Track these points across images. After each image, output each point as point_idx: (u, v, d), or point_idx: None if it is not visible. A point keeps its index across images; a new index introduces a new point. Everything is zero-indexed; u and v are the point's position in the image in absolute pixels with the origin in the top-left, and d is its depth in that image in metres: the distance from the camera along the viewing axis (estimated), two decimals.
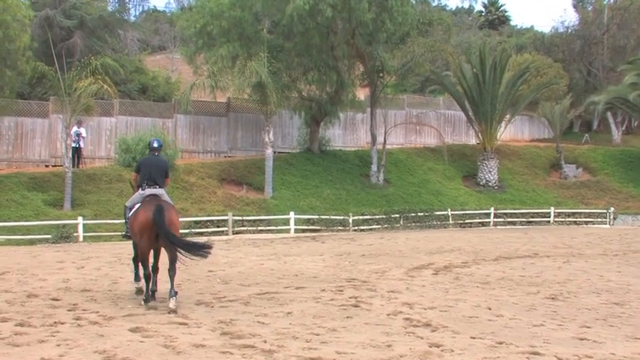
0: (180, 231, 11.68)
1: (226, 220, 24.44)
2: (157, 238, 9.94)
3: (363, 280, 13.10)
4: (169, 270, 9.91)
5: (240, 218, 25.07)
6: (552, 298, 11.36)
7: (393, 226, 28.05)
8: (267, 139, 29.52)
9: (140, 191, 10.53)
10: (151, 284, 10.28)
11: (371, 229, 27.59)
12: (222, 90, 29.77)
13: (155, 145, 10.93)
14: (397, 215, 28.56)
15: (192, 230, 23.53)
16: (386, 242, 21.89)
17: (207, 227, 24.24)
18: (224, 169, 29.95)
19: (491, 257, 17.59)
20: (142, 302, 10.07)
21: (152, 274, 10.34)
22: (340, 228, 26.87)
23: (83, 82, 24.12)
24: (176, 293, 9.81)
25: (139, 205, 10.28)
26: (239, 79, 27.89)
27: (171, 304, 9.61)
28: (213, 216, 25.03)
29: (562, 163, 38.40)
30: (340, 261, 16.38)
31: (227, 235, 24.03)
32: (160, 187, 10.57)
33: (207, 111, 32.55)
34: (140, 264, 10.44)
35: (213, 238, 23.18)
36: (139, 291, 10.76)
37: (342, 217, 27.25)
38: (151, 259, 10.37)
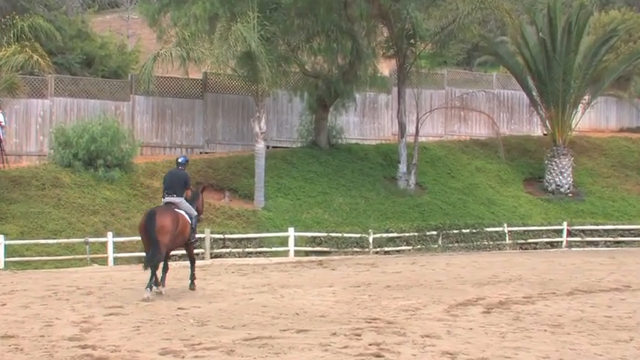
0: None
1: (202, 240, 24.42)
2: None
3: (388, 320, 13.07)
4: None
5: (221, 236, 25.13)
6: None
7: (428, 248, 28.05)
8: (257, 130, 29.59)
9: (162, 200, 16.55)
10: (157, 277, 15.78)
11: (398, 252, 27.53)
12: (197, 63, 29.78)
13: (179, 160, 16.97)
14: (434, 232, 28.53)
15: None
16: (419, 269, 21.75)
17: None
18: (199, 170, 29.90)
19: (565, 290, 17.50)
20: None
21: (161, 272, 16.04)
22: (357, 250, 26.89)
23: (4, 51, 24.11)
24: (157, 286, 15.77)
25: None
26: (220, 48, 27.86)
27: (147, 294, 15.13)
28: None
29: None
30: (357, 294, 16.31)
31: (203, 259, 24.01)
32: (178, 197, 16.15)
33: (177, 91, 32.63)
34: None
35: (184, 263, 23.27)
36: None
37: (359, 236, 27.27)
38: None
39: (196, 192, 17.42)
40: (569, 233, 31.02)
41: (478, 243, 29.14)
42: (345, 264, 23.30)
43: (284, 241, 26.16)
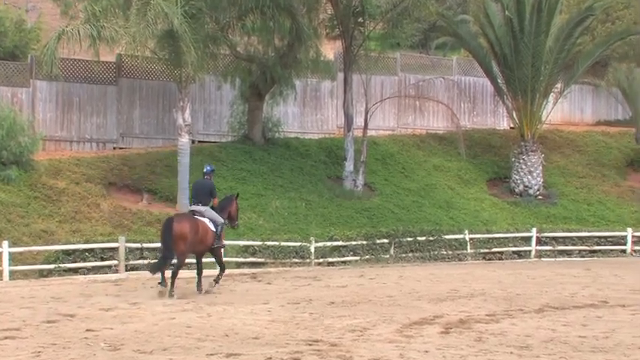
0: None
1: (116, 249, 24.33)
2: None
3: (331, 342, 13.08)
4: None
5: (138, 246, 24.96)
6: None
7: (378, 258, 28.11)
8: (180, 121, 29.47)
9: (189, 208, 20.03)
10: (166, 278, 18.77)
11: (344, 263, 27.58)
12: (110, 43, 29.44)
13: (204, 170, 19.98)
14: (385, 241, 28.60)
15: (61, 265, 23.40)
16: (368, 283, 21.72)
17: (84, 260, 24.10)
18: (113, 169, 29.81)
19: (534, 307, 17.51)
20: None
21: (196, 275, 19.71)
22: (296, 261, 26.92)
23: None
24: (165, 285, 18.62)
25: None
26: (136, 25, 27.53)
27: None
28: (94, 242, 24.83)
29: None
30: (296, 313, 16.31)
31: (117, 272, 23.91)
32: (203, 205, 19.28)
33: (86, 76, 32.34)
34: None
35: (94, 277, 23.20)
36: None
37: (298, 244, 27.29)
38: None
39: (230, 197, 20.81)
40: (539, 241, 31.21)
41: (435, 253, 29.24)
42: (282, 277, 23.28)
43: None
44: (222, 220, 19.71)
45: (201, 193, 19.50)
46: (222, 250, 20.78)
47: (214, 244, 19.53)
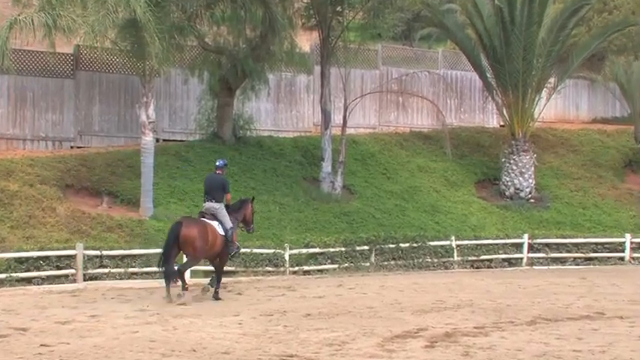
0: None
1: (73, 257, 24.20)
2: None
3: (307, 357, 13.15)
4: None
5: (97, 253, 24.79)
6: None
7: (358, 266, 28.09)
8: (144, 118, 29.23)
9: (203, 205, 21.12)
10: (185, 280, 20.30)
11: (321, 272, 27.60)
12: (67, 33, 28.62)
13: (216, 164, 21.38)
14: (366, 247, 28.54)
15: (13, 274, 23.21)
16: (347, 293, 21.78)
17: (39, 269, 23.89)
18: (70, 170, 29.64)
19: (525, 319, 17.64)
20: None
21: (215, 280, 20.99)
22: (270, 269, 26.87)
23: None
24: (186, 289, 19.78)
25: None
26: (96, 14, 27.27)
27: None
28: (49, 250, 24.56)
29: None
30: (269, 325, 16.34)
31: (75, 282, 23.83)
32: (217, 202, 20.44)
33: (41, 68, 32.16)
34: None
35: (50, 287, 23.07)
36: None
37: (272, 251, 27.21)
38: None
39: (245, 200, 22.16)
40: (531, 248, 31.23)
41: (420, 260, 29.21)
42: (254, 287, 23.31)
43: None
44: (232, 225, 20.75)
45: (214, 189, 20.61)
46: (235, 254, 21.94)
47: (229, 250, 20.90)
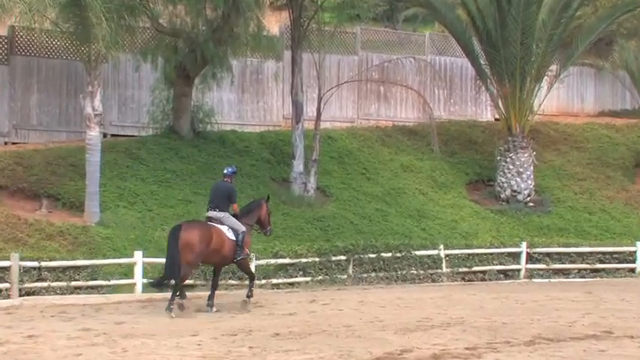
0: None
1: (7, 269, 24.03)
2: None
3: None
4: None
5: (35, 265, 24.56)
6: None
7: (334, 279, 28.28)
8: (89, 110, 29.18)
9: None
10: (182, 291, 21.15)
11: (292, 285, 27.79)
12: (0, 12, 28.92)
13: (224, 171, 21.96)
14: (342, 258, 28.60)
15: None
16: (321, 309, 21.96)
17: None
18: (4, 169, 29.95)
19: (523, 338, 17.62)
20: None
21: (210, 288, 21.84)
22: (233, 282, 26.61)
23: None
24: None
25: None
26: None
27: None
28: None
29: None
30: (232, 347, 16.35)
31: (9, 297, 23.70)
32: (221, 211, 21.00)
33: None
34: None
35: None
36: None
37: None
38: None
39: (259, 201, 22.94)
40: (530, 258, 31.36)
41: (404, 272, 29.28)
42: (216, 302, 22.79)
43: (128, 271, 25.97)
44: (244, 229, 21.31)
45: (218, 197, 21.33)
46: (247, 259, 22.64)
47: (236, 255, 21.30)
